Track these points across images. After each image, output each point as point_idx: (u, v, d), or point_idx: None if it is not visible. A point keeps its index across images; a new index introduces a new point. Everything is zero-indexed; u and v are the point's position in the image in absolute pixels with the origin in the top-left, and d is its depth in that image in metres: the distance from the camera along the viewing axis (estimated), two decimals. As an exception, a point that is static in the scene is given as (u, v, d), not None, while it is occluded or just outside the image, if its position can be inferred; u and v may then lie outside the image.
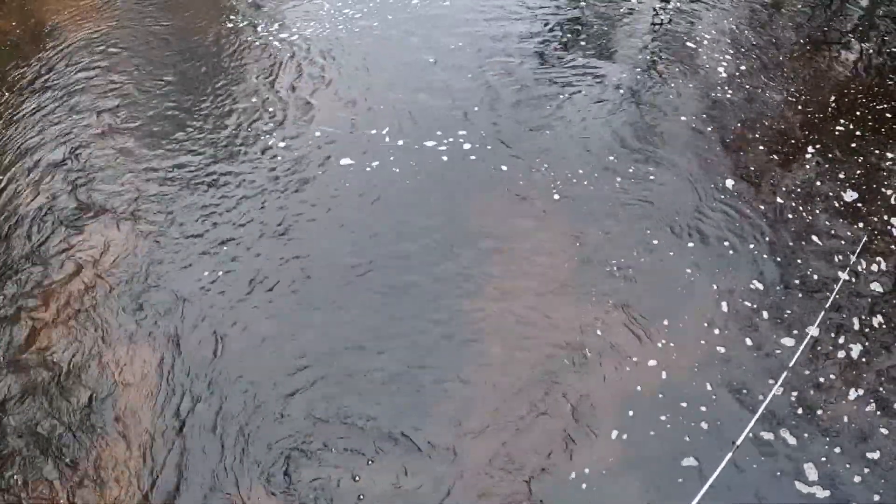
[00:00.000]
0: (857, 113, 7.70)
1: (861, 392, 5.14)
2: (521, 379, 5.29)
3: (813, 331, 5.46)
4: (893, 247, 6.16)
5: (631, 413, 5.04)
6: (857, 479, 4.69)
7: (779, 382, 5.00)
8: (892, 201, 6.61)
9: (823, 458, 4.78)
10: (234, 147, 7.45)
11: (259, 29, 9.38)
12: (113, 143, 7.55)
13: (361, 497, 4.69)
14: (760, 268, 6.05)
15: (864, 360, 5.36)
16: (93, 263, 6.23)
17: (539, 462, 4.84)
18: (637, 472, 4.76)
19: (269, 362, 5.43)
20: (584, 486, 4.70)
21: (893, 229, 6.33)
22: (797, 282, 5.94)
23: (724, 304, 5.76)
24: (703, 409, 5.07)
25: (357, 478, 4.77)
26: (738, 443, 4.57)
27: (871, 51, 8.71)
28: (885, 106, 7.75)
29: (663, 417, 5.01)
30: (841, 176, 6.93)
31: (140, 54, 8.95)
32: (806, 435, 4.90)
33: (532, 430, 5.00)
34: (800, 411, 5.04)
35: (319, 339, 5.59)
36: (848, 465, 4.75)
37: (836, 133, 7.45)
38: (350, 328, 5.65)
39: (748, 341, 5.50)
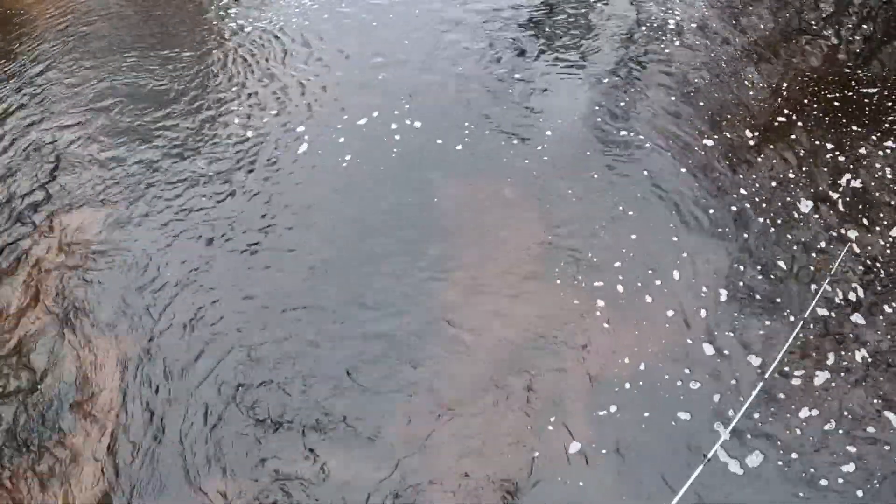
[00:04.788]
0: (805, 101, 7.20)
1: (832, 410, 4.88)
2: (492, 367, 5.14)
3: (786, 345, 5.13)
4: (860, 267, 5.67)
5: (602, 411, 4.90)
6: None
7: (751, 396, 4.70)
8: (841, 207, 6.11)
9: (799, 475, 4.56)
10: (198, 134, 7.31)
11: (226, 13, 9.33)
12: (80, 129, 7.44)
13: (326, 487, 4.56)
14: (730, 278, 5.67)
15: (834, 381, 5.04)
16: (59, 252, 6.12)
17: (509, 454, 4.69)
18: (608, 475, 4.59)
19: (236, 354, 5.30)
20: (553, 481, 4.56)
21: (854, 245, 5.80)
22: (769, 296, 5.57)
23: (697, 306, 5.50)
24: (674, 418, 4.85)
25: (322, 467, 4.65)
26: (710, 456, 4.42)
27: (835, 42, 8.16)
28: (836, 95, 7.13)
29: (635, 419, 4.84)
30: (791, 175, 6.42)
31: (109, 40, 8.89)
32: (777, 450, 4.68)
33: (503, 419, 4.86)
34: (772, 425, 4.79)
35: (284, 330, 5.44)
36: (824, 483, 4.53)
37: (792, 123, 7.03)
38: (315, 319, 5.50)
39: (721, 350, 5.22)
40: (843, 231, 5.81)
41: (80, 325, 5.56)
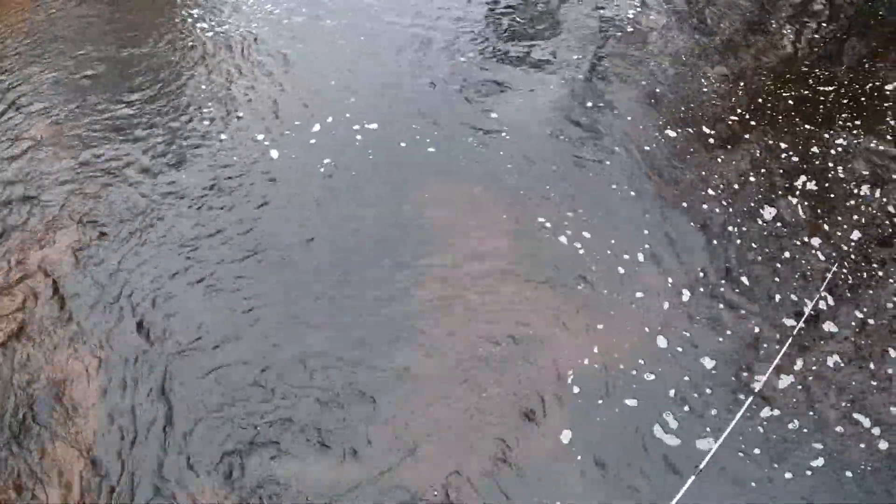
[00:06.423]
0: (760, 100, 7.39)
1: (798, 411, 5.07)
2: (466, 367, 5.23)
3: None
4: (828, 274, 5.81)
5: (572, 405, 5.05)
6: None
7: (744, 407, 4.86)
8: (801, 212, 6.33)
9: (761, 469, 4.74)
10: (171, 141, 7.11)
11: (189, 16, 9.05)
12: (50, 137, 7.19)
13: (303, 492, 4.58)
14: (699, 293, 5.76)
15: (801, 384, 5.24)
16: (30, 262, 5.96)
17: (485, 454, 4.77)
18: (584, 470, 4.70)
19: (212, 358, 5.29)
20: (531, 477, 4.67)
21: (819, 252, 6.02)
22: (737, 302, 5.74)
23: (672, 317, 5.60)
24: (622, 406, 5.03)
25: (300, 472, 4.66)
26: (701, 466, 4.45)
27: (795, 40, 8.34)
28: (792, 93, 7.34)
29: (601, 413, 4.99)
30: (752, 179, 6.63)
31: (75, 46, 8.56)
32: (738, 445, 4.84)
33: (480, 416, 4.95)
34: (736, 425, 4.86)
35: (264, 336, 5.44)
36: (789, 476, 4.74)
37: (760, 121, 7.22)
38: (292, 322, 5.53)
39: (680, 349, 5.39)
40: (805, 239, 6.05)
41: (61, 328, 5.45)
